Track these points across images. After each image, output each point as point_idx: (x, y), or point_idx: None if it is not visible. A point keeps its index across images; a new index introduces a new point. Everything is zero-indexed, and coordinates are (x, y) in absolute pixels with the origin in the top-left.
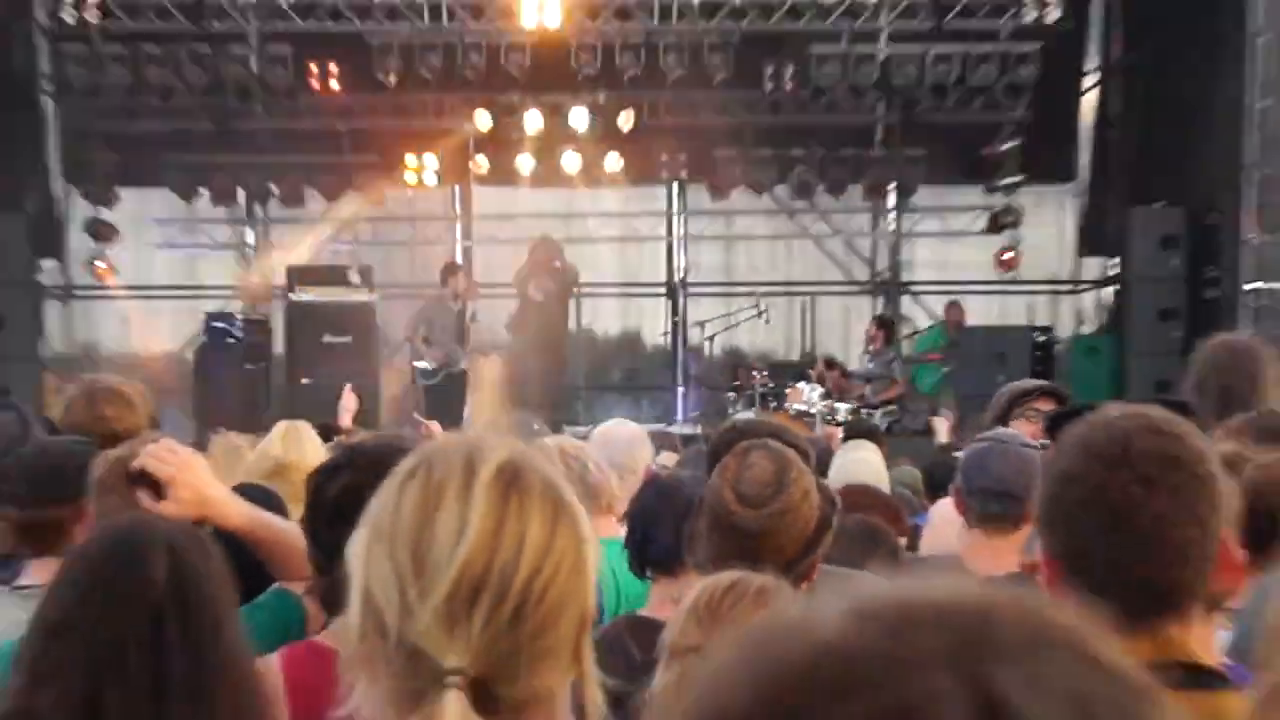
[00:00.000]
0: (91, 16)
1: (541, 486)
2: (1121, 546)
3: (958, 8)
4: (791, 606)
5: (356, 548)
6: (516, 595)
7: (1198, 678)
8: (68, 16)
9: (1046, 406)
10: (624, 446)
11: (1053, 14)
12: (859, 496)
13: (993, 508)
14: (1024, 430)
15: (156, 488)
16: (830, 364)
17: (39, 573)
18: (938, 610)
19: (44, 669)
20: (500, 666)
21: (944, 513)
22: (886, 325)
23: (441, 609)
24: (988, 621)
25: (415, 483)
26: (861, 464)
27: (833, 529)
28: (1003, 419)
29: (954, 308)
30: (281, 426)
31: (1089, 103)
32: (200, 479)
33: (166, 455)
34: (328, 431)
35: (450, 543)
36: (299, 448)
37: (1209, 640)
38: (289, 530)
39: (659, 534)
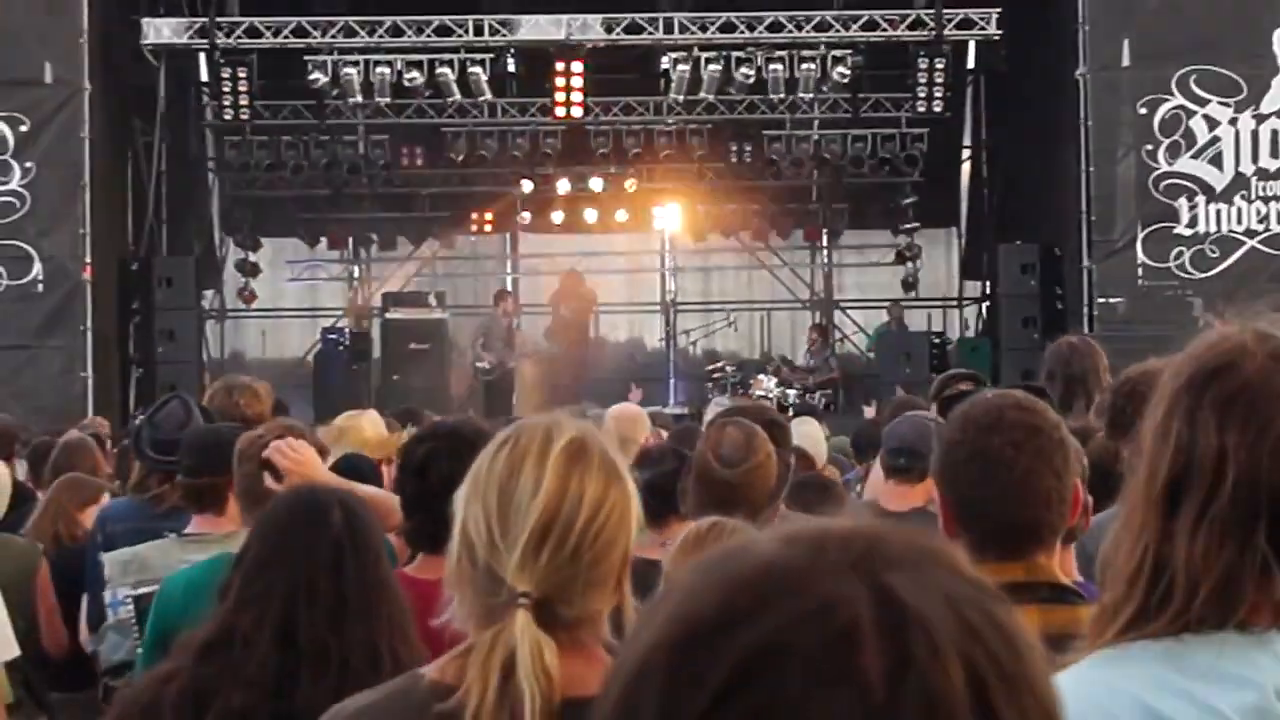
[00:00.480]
0: (245, 115)
1: (600, 458)
2: (998, 495)
3: (869, 102)
4: (743, 537)
5: (460, 495)
6: (576, 537)
7: (1060, 594)
8: (227, 114)
9: (967, 388)
10: (629, 422)
11: (938, 105)
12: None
13: (899, 461)
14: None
15: (277, 472)
16: (782, 362)
17: (201, 525)
18: (846, 535)
19: (248, 596)
20: (561, 591)
21: (876, 473)
22: (823, 332)
23: (517, 545)
24: (883, 542)
25: (505, 449)
26: (806, 435)
27: (788, 484)
28: (937, 396)
29: (895, 306)
30: (345, 414)
31: (966, 169)
32: (309, 467)
33: (287, 450)
34: (411, 415)
35: (528, 495)
36: (356, 421)
37: (1069, 565)
38: (376, 494)
39: (648, 492)
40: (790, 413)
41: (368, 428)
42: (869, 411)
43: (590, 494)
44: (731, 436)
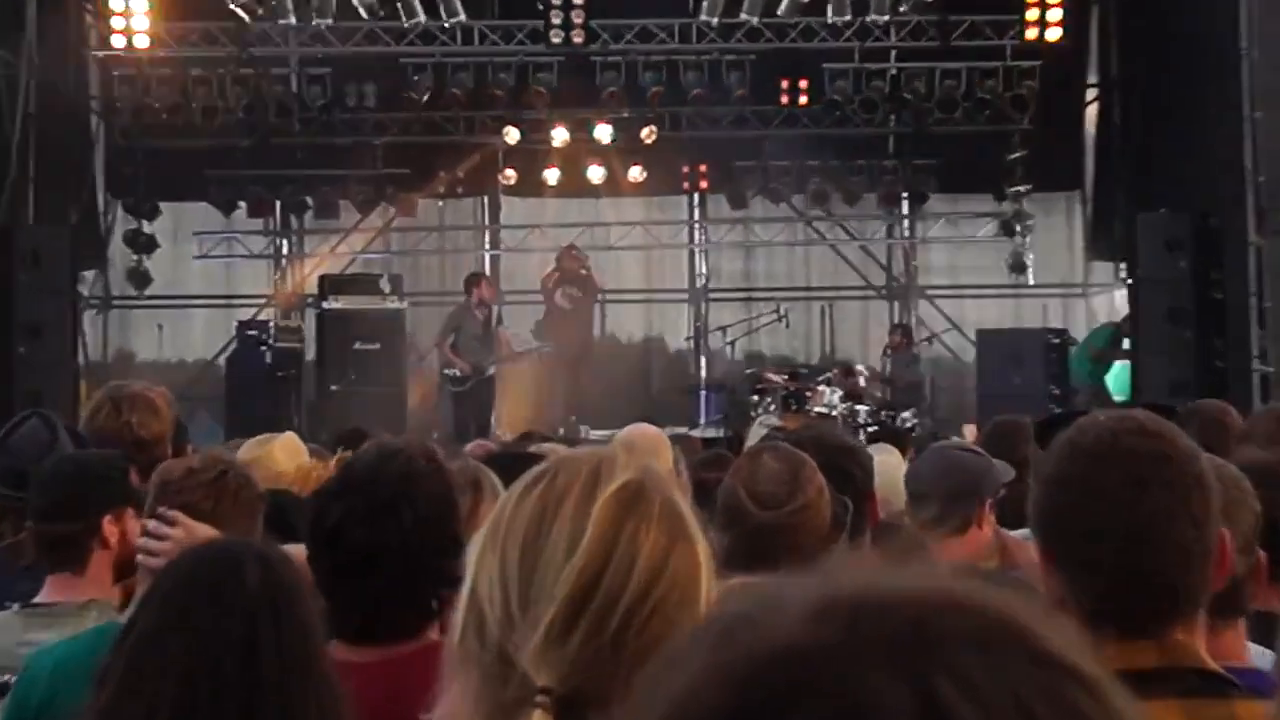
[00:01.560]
0: (141, 42)
1: (662, 509)
2: (1117, 548)
3: (963, 26)
4: (752, 598)
5: (474, 544)
6: (621, 617)
7: (1211, 684)
8: (118, 41)
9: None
10: (647, 452)
11: (1053, 31)
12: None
13: (929, 512)
14: None
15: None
16: (849, 368)
17: (55, 590)
18: (888, 606)
19: (134, 681)
20: (594, 689)
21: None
22: (905, 329)
23: (541, 622)
24: (938, 616)
25: (538, 489)
26: (883, 466)
27: (846, 529)
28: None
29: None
30: (253, 441)
31: (1091, 114)
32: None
33: (153, 545)
34: (356, 437)
35: (560, 554)
36: (264, 449)
37: (1238, 647)
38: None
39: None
40: (861, 436)
41: (280, 458)
42: (968, 433)
43: (645, 556)
44: (771, 468)
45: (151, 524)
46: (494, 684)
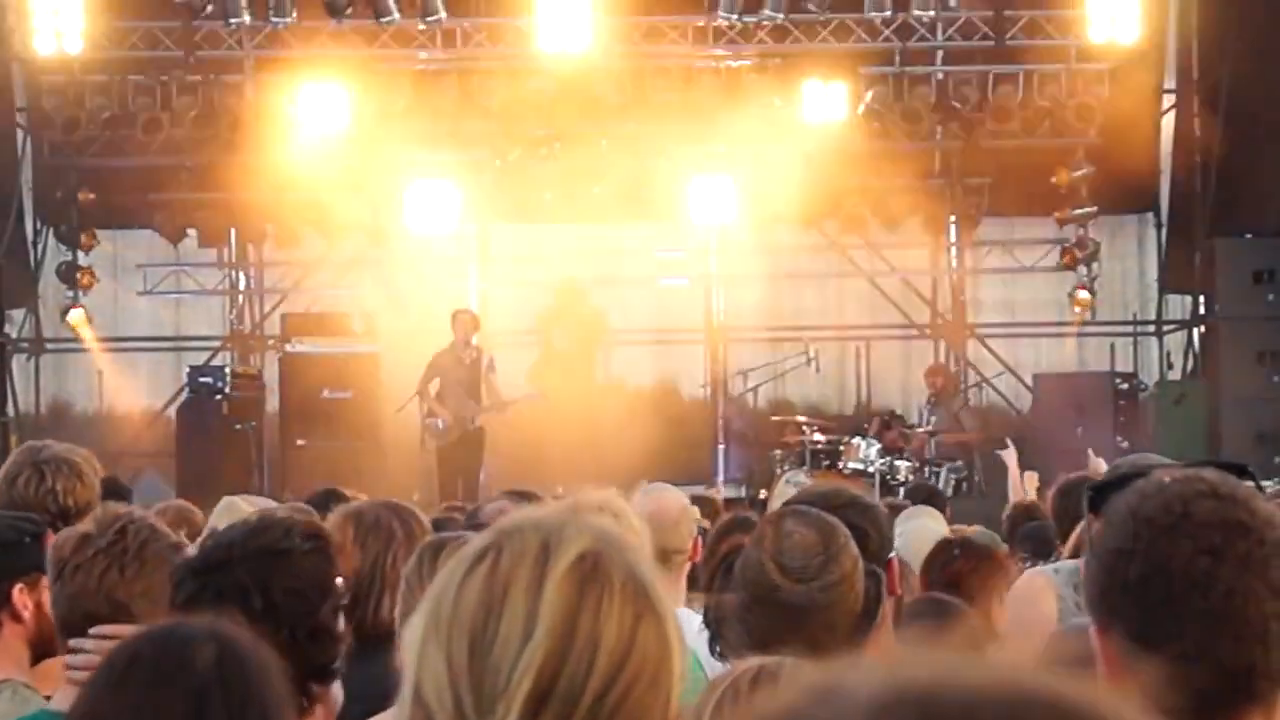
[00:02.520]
0: (72, 45)
1: (624, 583)
2: (1189, 626)
3: (1020, 21)
4: (806, 692)
5: (411, 635)
6: (587, 710)
7: None
8: (45, 45)
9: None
10: (667, 519)
11: (1124, 31)
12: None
13: None
14: None
15: None
16: (889, 419)
17: None
18: (965, 706)
19: None
20: None
21: (1033, 585)
22: (947, 374)
23: None
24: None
25: (481, 569)
26: (923, 532)
27: (883, 603)
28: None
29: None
30: (223, 502)
31: (1167, 125)
32: None
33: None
34: (330, 499)
35: (514, 645)
36: (235, 512)
37: None
38: None
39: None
40: (900, 495)
41: None
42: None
43: (609, 638)
44: (801, 537)
45: (73, 642)
46: None
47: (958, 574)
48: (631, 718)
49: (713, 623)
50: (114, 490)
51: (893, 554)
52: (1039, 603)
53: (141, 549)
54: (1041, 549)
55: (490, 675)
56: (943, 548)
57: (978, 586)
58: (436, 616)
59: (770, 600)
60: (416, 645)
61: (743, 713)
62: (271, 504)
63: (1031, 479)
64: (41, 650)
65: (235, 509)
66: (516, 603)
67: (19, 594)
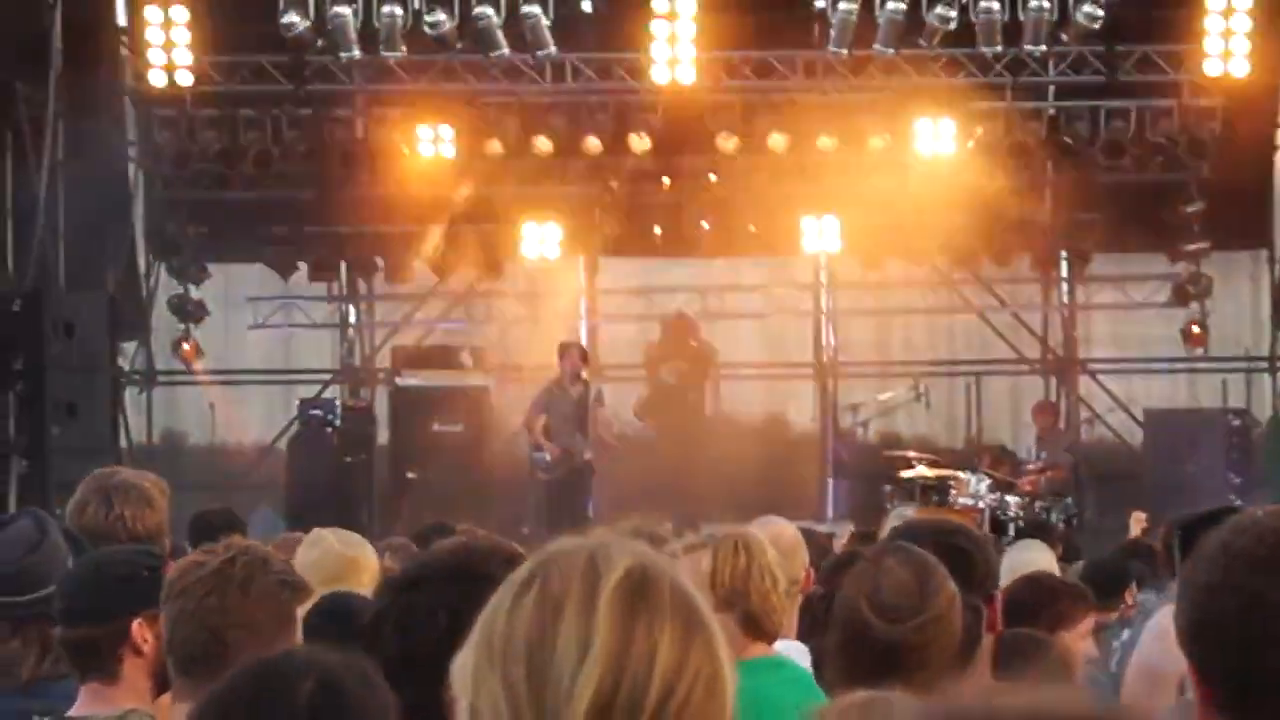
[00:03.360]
0: (183, 79)
1: (672, 597)
2: None
3: (1133, 56)
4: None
5: (464, 665)
6: None
7: None
8: (157, 78)
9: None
10: (786, 552)
11: (1237, 65)
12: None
13: None
14: None
15: None
16: (1000, 454)
17: (87, 701)
18: None
19: None
20: None
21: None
22: (1054, 410)
23: None
24: None
25: (531, 595)
26: (1030, 567)
27: (982, 642)
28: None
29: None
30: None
31: None
32: None
33: None
34: (440, 532)
35: (571, 664)
36: (362, 553)
37: None
38: None
39: None
40: (1011, 532)
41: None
42: (1135, 524)
43: (664, 655)
44: (896, 576)
45: None
46: None
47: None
48: None
49: (817, 658)
50: (228, 523)
51: (996, 589)
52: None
53: (248, 580)
54: (1108, 588)
55: (550, 696)
56: (1017, 583)
57: (1050, 621)
58: (489, 644)
59: (863, 639)
60: (469, 676)
61: None
62: (356, 538)
63: (1139, 519)
64: (164, 683)
65: (323, 542)
66: (570, 622)
67: (138, 628)
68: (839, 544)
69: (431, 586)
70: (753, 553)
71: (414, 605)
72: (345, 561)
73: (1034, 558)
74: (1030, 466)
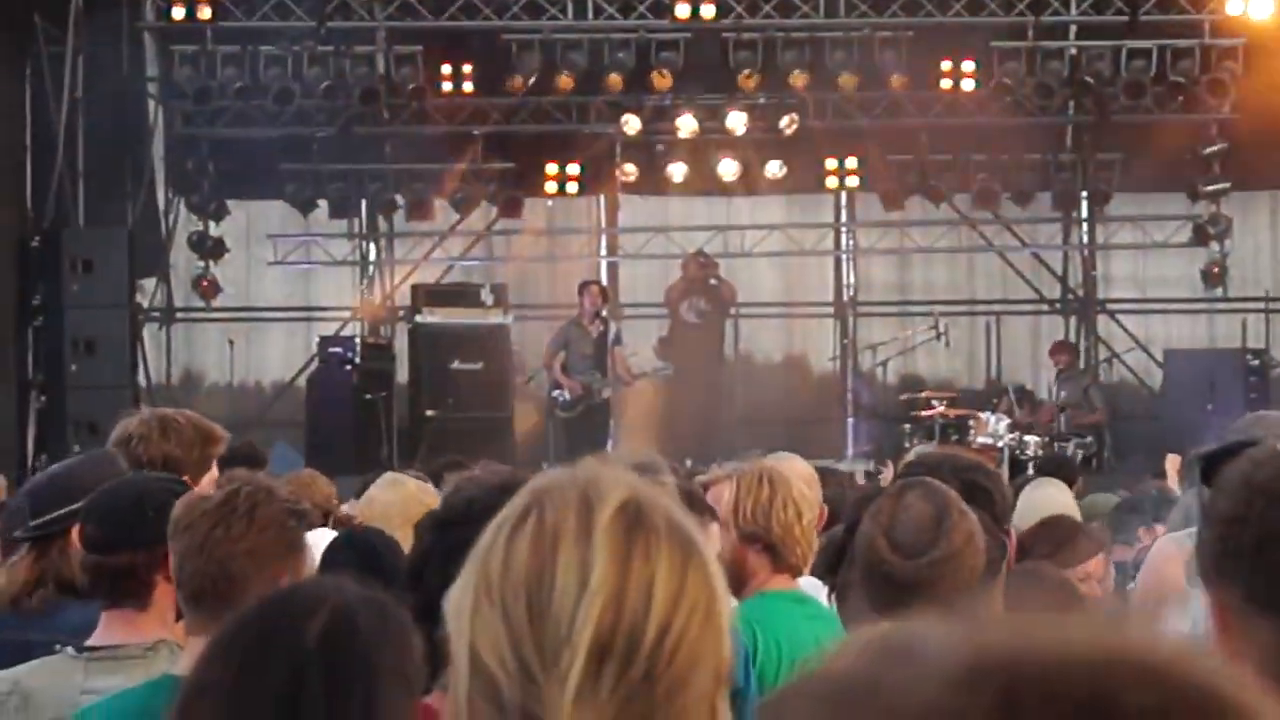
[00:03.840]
0: (203, 14)
1: (667, 526)
2: None
3: (1153, 0)
4: (880, 652)
5: (460, 603)
6: (647, 654)
7: None
8: (178, 13)
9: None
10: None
11: (1259, 6)
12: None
13: None
14: None
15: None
16: (1020, 393)
17: (114, 628)
18: (1051, 679)
19: None
20: None
21: (1162, 552)
22: (1073, 350)
23: (571, 673)
24: (1118, 690)
25: (527, 529)
26: (1048, 502)
27: (1001, 575)
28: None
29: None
30: (387, 479)
31: None
32: None
33: None
34: (456, 467)
35: (572, 598)
36: (404, 491)
37: None
38: None
39: None
40: (1029, 470)
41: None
42: (1170, 467)
43: (661, 585)
44: (915, 512)
45: None
46: None
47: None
48: (691, 655)
49: (838, 593)
50: (249, 457)
51: (1010, 525)
52: (1165, 568)
53: (252, 510)
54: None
55: (552, 630)
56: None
57: (1062, 559)
58: (487, 580)
59: (879, 574)
60: (467, 613)
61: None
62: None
63: (1174, 461)
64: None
65: (403, 486)
66: (568, 554)
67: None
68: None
69: (477, 522)
70: (776, 485)
71: (460, 542)
72: (425, 508)
73: (1050, 494)
74: (1054, 403)
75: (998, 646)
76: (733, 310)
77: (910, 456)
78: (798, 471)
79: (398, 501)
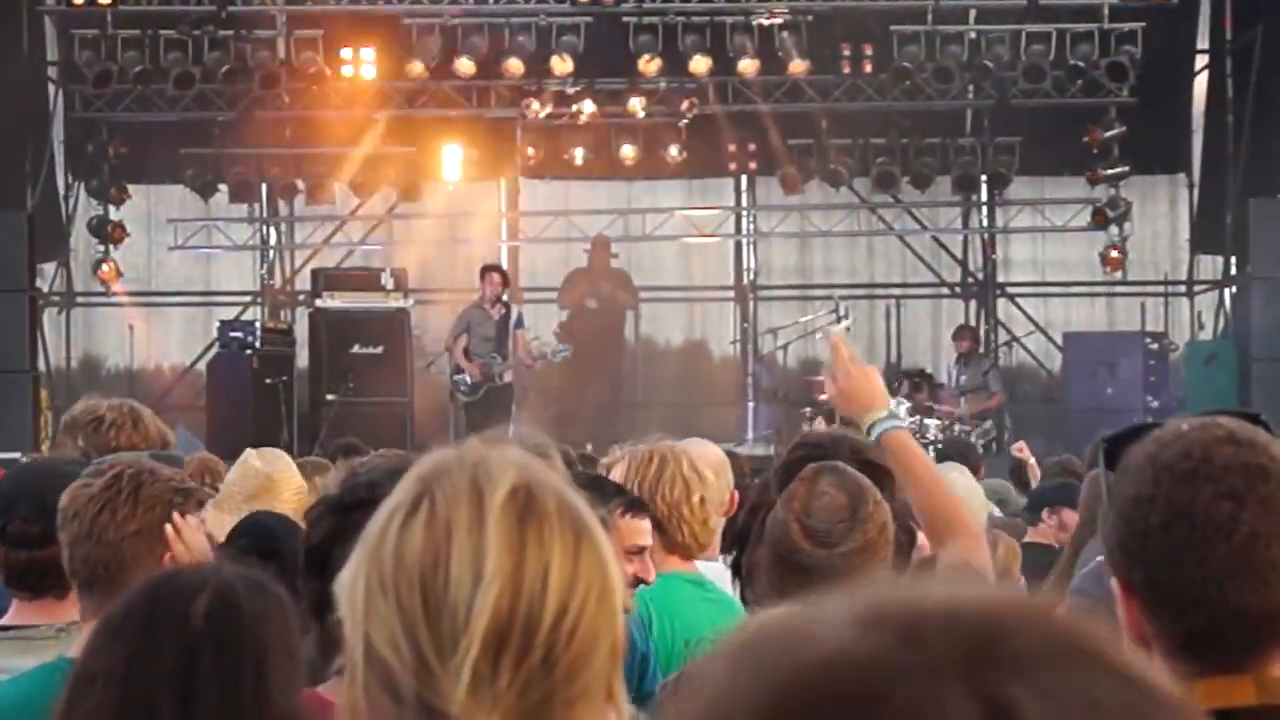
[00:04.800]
0: None
1: (558, 508)
2: (1211, 571)
3: None
4: (784, 614)
5: (353, 592)
6: (544, 639)
7: None
8: None
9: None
10: (712, 475)
11: None
12: None
13: None
14: None
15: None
16: (919, 378)
17: (23, 612)
18: (947, 616)
19: None
20: (532, 716)
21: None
22: (974, 334)
23: (466, 663)
24: (999, 627)
25: (419, 518)
26: (952, 488)
27: (910, 565)
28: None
29: None
30: (262, 454)
31: (1200, 85)
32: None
33: (185, 533)
34: (351, 451)
35: (467, 588)
36: (284, 470)
37: None
38: None
39: None
40: (930, 454)
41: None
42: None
43: (556, 569)
44: (829, 499)
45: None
46: None
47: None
48: (588, 637)
49: (745, 575)
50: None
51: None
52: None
53: (136, 490)
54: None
55: (448, 620)
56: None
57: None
58: (380, 570)
59: (791, 561)
60: (360, 603)
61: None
62: (280, 456)
63: (1021, 449)
64: None
65: (245, 461)
66: (462, 544)
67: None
68: None
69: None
70: (665, 462)
71: (361, 524)
72: (261, 478)
73: (953, 479)
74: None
75: (895, 596)
76: (633, 295)
77: (799, 440)
78: (707, 457)
79: (237, 479)
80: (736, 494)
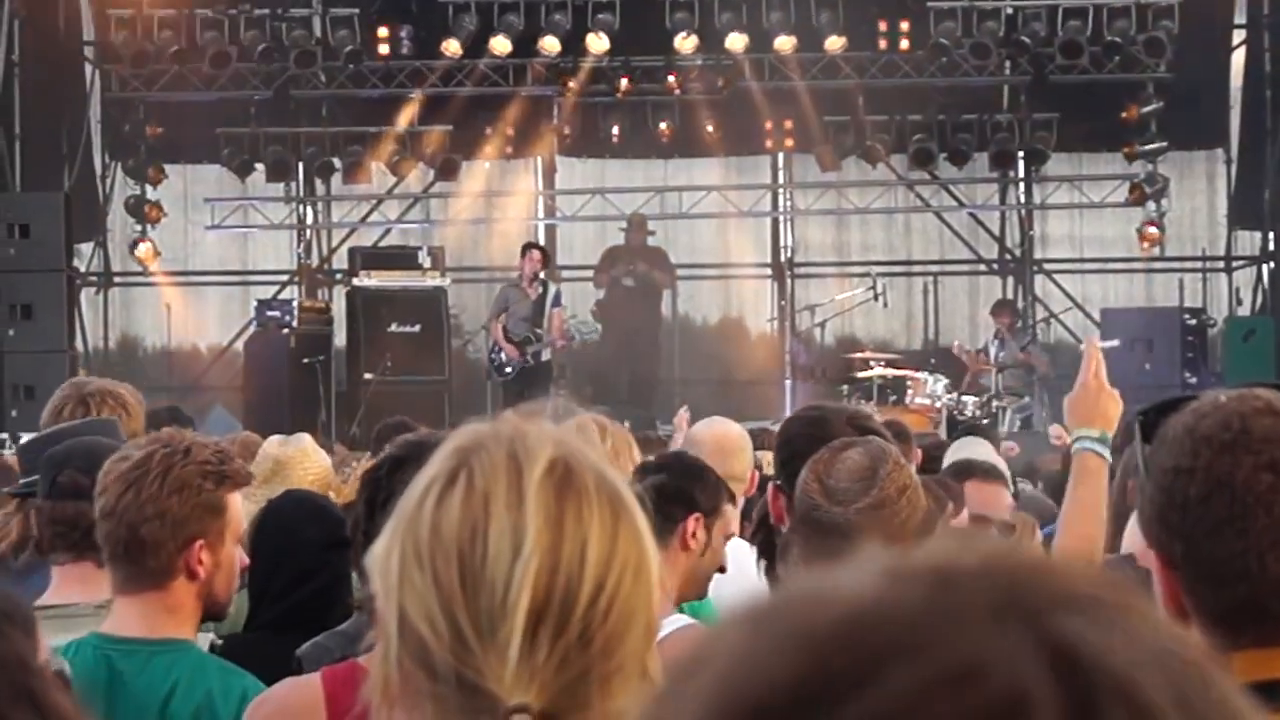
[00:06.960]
0: None
1: (596, 483)
2: (1251, 543)
3: None
4: (807, 575)
5: (387, 564)
6: (582, 614)
7: None
8: None
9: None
10: (726, 451)
11: None
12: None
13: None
14: None
15: None
16: (958, 353)
17: (63, 587)
18: (984, 566)
19: None
20: (569, 695)
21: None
22: (1014, 310)
23: (512, 638)
24: (1039, 575)
25: (457, 490)
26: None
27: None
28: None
29: None
30: (277, 440)
31: (1238, 60)
32: None
33: None
34: (402, 429)
35: (506, 563)
36: (297, 451)
37: None
38: None
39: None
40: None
41: (313, 463)
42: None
43: (595, 540)
44: (850, 461)
45: None
46: (455, 713)
47: None
48: (624, 613)
49: (780, 550)
50: (174, 420)
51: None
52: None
53: (165, 473)
54: None
55: (486, 595)
56: None
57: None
58: (416, 543)
59: (811, 520)
60: (394, 576)
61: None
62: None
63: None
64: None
65: (264, 445)
66: (500, 518)
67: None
68: None
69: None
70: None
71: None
72: (270, 462)
73: (978, 451)
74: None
75: (923, 550)
76: (671, 272)
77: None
78: (728, 435)
79: (254, 464)
80: (757, 473)
